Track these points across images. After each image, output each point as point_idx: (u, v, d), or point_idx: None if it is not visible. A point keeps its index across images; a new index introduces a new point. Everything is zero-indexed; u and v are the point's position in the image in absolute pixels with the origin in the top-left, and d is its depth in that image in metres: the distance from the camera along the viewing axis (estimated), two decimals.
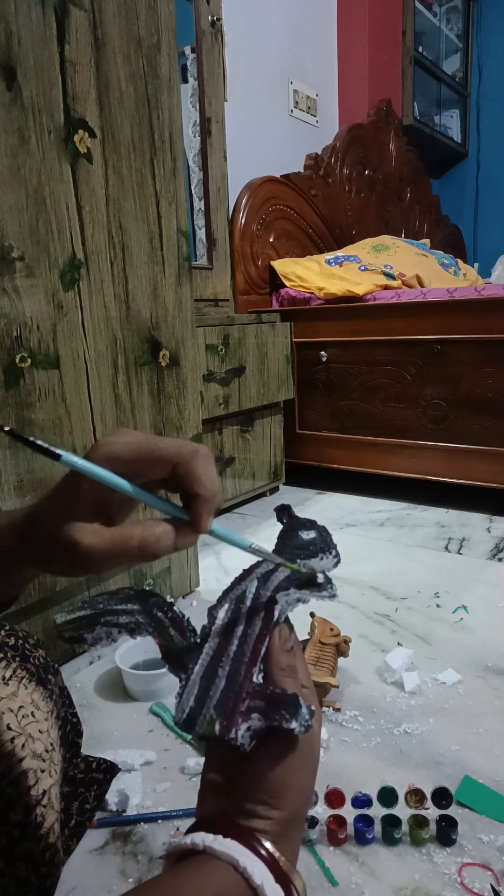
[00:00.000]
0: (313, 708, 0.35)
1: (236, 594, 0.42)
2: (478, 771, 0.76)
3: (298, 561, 0.43)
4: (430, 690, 0.93)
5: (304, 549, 0.44)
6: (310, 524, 0.47)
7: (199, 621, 0.41)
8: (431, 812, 0.69)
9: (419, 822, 0.66)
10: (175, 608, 0.42)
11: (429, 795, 0.70)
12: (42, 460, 0.90)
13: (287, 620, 0.41)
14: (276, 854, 0.35)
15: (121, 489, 0.34)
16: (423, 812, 0.69)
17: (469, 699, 0.91)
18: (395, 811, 0.69)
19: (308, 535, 0.45)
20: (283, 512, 0.49)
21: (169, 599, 0.43)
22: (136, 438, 0.36)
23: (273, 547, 0.45)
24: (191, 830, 0.36)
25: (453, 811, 0.69)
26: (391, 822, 0.66)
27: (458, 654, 1.02)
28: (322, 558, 0.43)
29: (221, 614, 0.42)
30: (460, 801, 0.71)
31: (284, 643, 0.39)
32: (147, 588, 0.44)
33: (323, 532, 0.46)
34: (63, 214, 0.89)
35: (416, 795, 0.70)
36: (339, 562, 0.44)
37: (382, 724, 0.86)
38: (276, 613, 0.40)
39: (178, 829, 0.69)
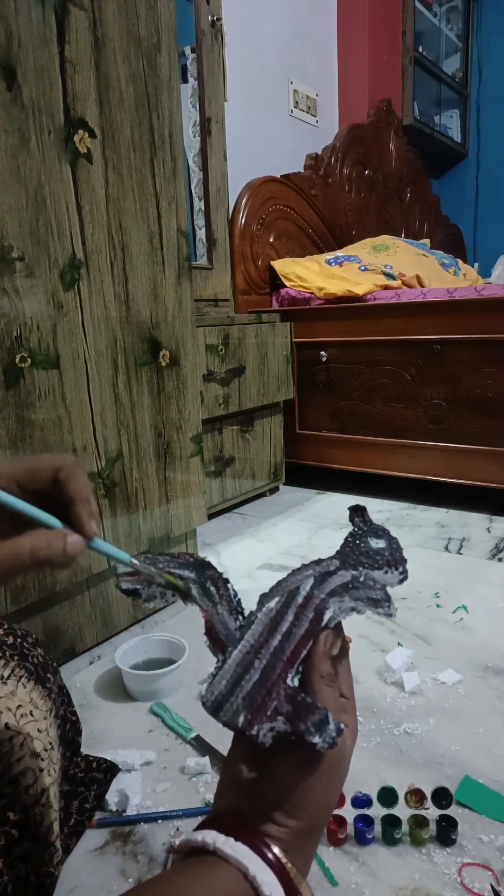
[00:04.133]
0: (342, 726, 0.34)
1: (289, 587, 0.41)
2: (478, 771, 0.76)
3: (353, 566, 0.40)
4: (430, 690, 0.93)
5: (370, 558, 0.42)
6: (381, 532, 0.44)
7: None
8: (431, 812, 0.69)
9: (419, 822, 0.66)
10: (229, 586, 0.42)
11: (429, 795, 0.70)
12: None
13: (337, 626, 0.40)
14: (287, 864, 0.34)
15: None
16: (423, 812, 0.69)
17: (469, 699, 0.91)
18: (395, 811, 0.69)
19: (378, 543, 0.43)
20: (357, 513, 0.47)
21: (224, 576, 0.43)
22: (16, 458, 0.38)
23: (338, 548, 0.44)
24: (205, 825, 0.36)
25: (453, 811, 0.69)
26: (391, 822, 0.66)
27: (458, 654, 1.02)
28: (387, 572, 0.41)
29: (271, 604, 0.40)
30: (460, 801, 0.71)
31: (329, 649, 0.38)
32: (203, 559, 0.44)
33: (394, 544, 0.43)
34: (63, 214, 0.89)
35: (416, 795, 0.70)
36: (404, 579, 0.41)
37: (382, 724, 0.86)
38: (326, 618, 0.39)
39: (177, 829, 0.69)
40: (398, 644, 1.05)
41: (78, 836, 0.68)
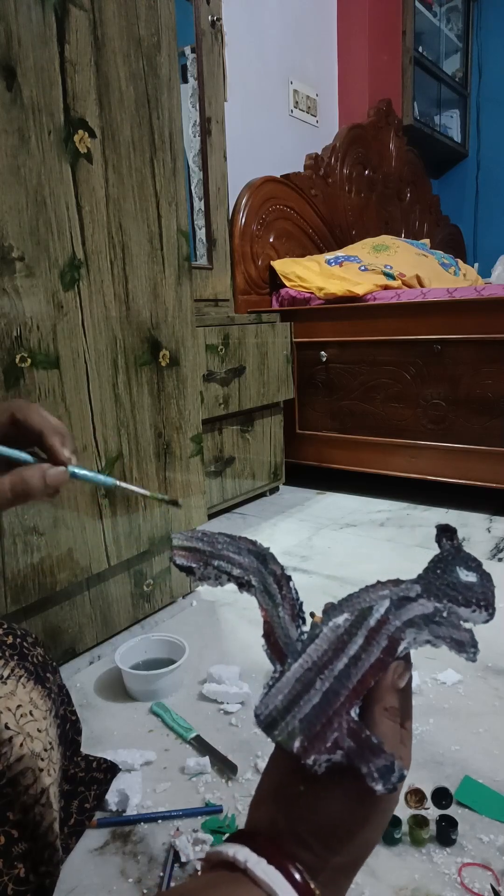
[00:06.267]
0: (405, 771, 0.32)
1: (361, 605, 0.38)
2: (478, 771, 0.76)
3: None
4: (430, 690, 0.93)
5: (457, 591, 0.38)
6: (474, 564, 0.40)
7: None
8: (431, 812, 0.69)
9: (419, 822, 0.66)
10: (291, 585, 0.39)
11: (429, 795, 0.70)
12: None
13: (406, 657, 0.37)
14: None
15: None
16: (423, 812, 0.69)
17: (469, 699, 0.91)
18: (394, 811, 0.69)
19: (468, 576, 0.39)
20: (446, 534, 0.43)
21: (287, 573, 0.40)
22: None
23: (418, 574, 0.40)
24: (238, 838, 0.34)
25: (453, 811, 0.69)
26: (391, 822, 0.66)
27: None
28: (474, 611, 0.37)
29: (339, 620, 0.37)
30: (460, 801, 0.71)
31: (397, 681, 0.36)
32: (266, 550, 0.41)
33: (486, 580, 0.39)
34: (63, 214, 0.89)
35: (416, 795, 0.70)
36: (489, 620, 0.37)
37: None
38: (400, 649, 0.36)
39: (177, 829, 0.69)
40: None
41: (78, 835, 0.68)
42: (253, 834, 0.34)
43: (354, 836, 0.33)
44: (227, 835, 0.66)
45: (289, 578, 0.40)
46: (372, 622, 0.36)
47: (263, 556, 0.41)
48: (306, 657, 0.35)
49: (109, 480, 0.42)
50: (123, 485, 0.43)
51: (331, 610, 0.38)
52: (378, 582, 0.39)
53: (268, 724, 0.33)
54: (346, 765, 0.32)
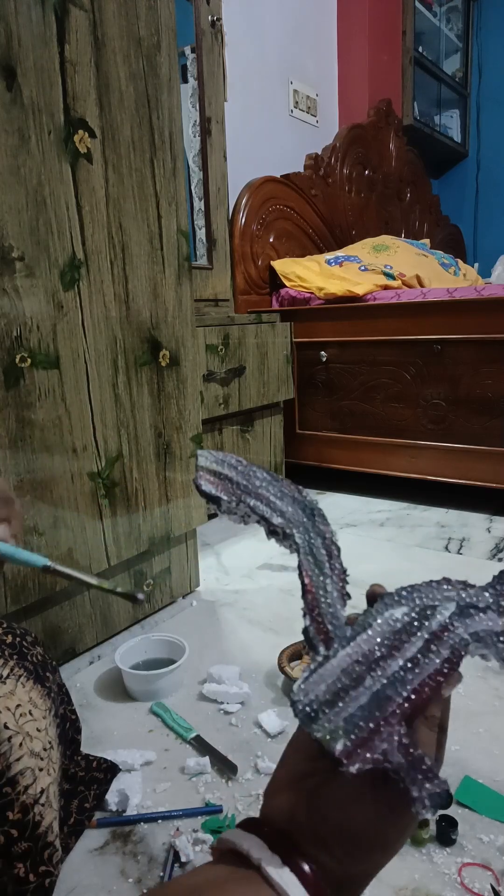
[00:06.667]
0: (449, 792, 0.29)
1: (423, 602, 0.34)
2: (478, 771, 0.76)
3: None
4: None
5: None
6: None
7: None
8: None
9: (419, 822, 0.66)
10: (341, 557, 0.34)
11: None
12: (43, 460, 0.90)
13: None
14: None
15: None
16: None
17: (469, 699, 0.91)
18: None
19: None
20: None
21: (337, 542, 0.35)
22: None
23: (487, 582, 0.36)
24: (252, 826, 0.32)
25: (453, 811, 0.69)
26: None
27: None
28: None
29: (396, 613, 0.33)
30: (460, 801, 0.71)
31: (444, 691, 0.33)
32: (315, 504, 0.35)
33: None
34: (63, 214, 0.89)
35: None
36: None
37: None
38: (461, 660, 0.32)
39: (177, 829, 0.69)
40: None
41: (77, 835, 0.68)
42: (268, 824, 0.32)
43: (381, 845, 0.31)
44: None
45: (339, 549, 0.35)
46: (434, 626, 0.33)
47: (311, 511, 0.36)
48: (355, 647, 0.31)
49: (40, 561, 0.37)
50: (60, 568, 0.38)
51: (387, 600, 0.34)
52: (444, 579, 0.35)
53: (307, 715, 0.29)
54: (383, 773, 0.29)
